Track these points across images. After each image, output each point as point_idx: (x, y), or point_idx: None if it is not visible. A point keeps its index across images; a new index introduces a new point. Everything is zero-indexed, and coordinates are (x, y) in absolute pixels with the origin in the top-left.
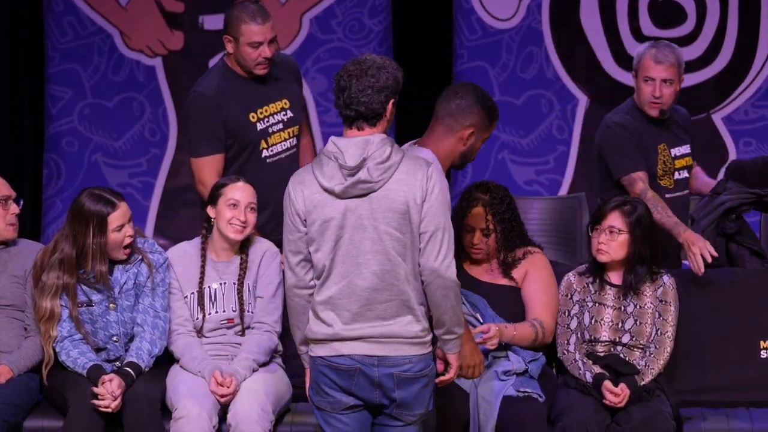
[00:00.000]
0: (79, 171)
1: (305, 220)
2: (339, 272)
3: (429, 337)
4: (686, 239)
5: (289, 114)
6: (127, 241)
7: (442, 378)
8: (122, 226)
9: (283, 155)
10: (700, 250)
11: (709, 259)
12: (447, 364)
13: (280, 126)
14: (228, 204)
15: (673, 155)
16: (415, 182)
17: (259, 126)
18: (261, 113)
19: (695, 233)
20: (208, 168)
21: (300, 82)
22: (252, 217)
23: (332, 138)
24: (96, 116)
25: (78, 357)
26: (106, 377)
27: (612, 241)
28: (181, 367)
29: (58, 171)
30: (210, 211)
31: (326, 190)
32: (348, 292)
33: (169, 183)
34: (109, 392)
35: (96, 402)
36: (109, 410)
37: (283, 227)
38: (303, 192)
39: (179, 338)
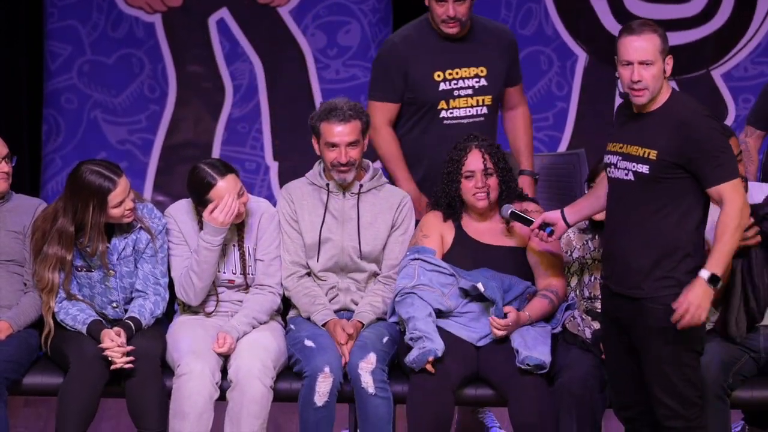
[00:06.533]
0: (79, 127)
1: None
2: None
3: None
4: None
5: (483, 82)
6: (128, 214)
7: None
8: (122, 201)
9: (464, 120)
10: None
11: None
12: None
13: (469, 92)
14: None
15: None
16: None
17: (443, 86)
18: (449, 74)
19: None
20: (378, 113)
21: (511, 57)
22: (246, 197)
23: None
24: (95, 73)
25: (77, 314)
26: (111, 330)
27: None
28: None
29: (58, 127)
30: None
31: None
32: None
33: (169, 140)
34: (118, 344)
35: (108, 353)
36: (122, 363)
37: None
38: None
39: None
